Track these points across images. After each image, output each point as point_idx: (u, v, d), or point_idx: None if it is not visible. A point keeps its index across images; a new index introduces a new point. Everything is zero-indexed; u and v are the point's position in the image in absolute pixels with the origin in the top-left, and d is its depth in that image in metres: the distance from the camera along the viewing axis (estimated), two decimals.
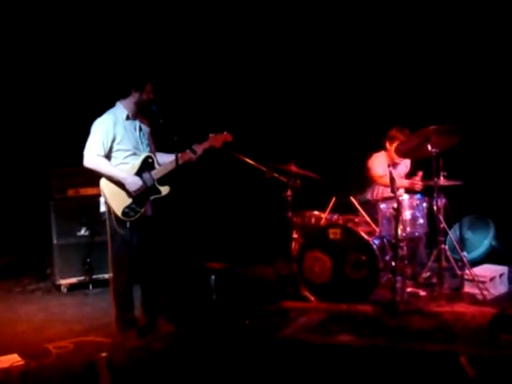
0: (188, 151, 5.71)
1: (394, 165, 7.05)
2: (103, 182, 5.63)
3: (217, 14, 8.84)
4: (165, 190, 5.76)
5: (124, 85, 5.75)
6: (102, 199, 5.69)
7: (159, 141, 5.99)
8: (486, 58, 8.26)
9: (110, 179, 5.61)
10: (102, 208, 5.69)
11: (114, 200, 5.60)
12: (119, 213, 5.58)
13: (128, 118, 5.72)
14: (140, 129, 5.82)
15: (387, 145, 7.29)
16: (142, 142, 5.80)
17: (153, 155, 5.80)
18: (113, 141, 5.62)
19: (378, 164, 7.29)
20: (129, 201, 5.62)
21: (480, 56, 8.28)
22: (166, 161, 5.77)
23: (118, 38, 8.56)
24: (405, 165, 7.48)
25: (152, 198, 5.76)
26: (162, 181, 5.74)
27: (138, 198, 5.64)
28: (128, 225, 5.61)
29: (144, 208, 5.69)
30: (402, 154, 6.98)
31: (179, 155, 5.56)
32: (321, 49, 8.91)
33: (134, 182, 5.61)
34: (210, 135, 5.92)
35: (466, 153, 7.73)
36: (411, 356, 4.95)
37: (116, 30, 8.56)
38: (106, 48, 8.56)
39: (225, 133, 5.95)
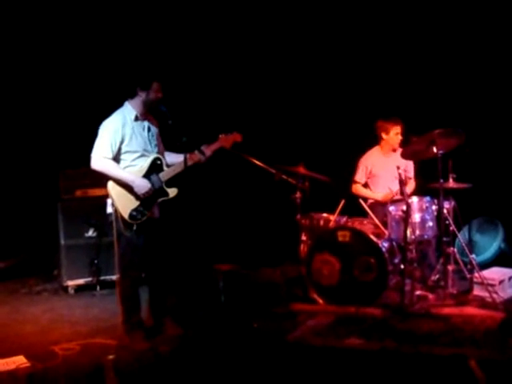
0: (196, 152, 5.69)
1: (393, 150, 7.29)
2: (110, 184, 5.59)
3: (229, 16, 8.85)
4: (172, 192, 5.72)
5: (129, 84, 5.72)
6: (109, 200, 5.65)
7: (168, 141, 5.96)
8: (497, 60, 8.22)
9: (118, 182, 5.57)
10: (109, 209, 5.65)
11: (121, 203, 5.56)
12: (126, 216, 5.54)
13: (137, 118, 5.68)
14: (148, 129, 5.77)
15: (383, 135, 7.27)
16: (150, 143, 5.75)
17: (161, 157, 5.76)
18: (121, 142, 5.57)
19: (364, 165, 7.34)
20: (136, 203, 5.58)
21: (490, 58, 8.24)
22: (175, 161, 5.74)
23: (125, 37, 8.56)
24: (404, 169, 7.27)
25: (160, 200, 5.72)
26: (170, 182, 5.71)
27: (146, 200, 5.60)
28: (134, 227, 5.57)
29: (151, 210, 5.66)
30: (407, 156, 6.95)
31: (188, 156, 5.53)
32: (334, 54, 8.90)
33: (142, 185, 5.57)
34: (220, 136, 5.90)
35: (475, 155, 7.69)
36: (420, 359, 4.93)
37: (124, 30, 8.57)
38: (114, 48, 8.57)
39: (234, 133, 5.94)
